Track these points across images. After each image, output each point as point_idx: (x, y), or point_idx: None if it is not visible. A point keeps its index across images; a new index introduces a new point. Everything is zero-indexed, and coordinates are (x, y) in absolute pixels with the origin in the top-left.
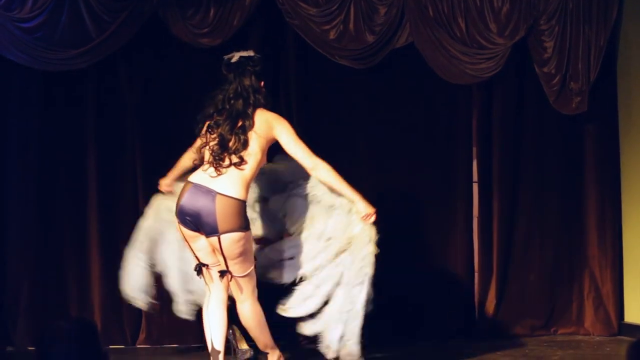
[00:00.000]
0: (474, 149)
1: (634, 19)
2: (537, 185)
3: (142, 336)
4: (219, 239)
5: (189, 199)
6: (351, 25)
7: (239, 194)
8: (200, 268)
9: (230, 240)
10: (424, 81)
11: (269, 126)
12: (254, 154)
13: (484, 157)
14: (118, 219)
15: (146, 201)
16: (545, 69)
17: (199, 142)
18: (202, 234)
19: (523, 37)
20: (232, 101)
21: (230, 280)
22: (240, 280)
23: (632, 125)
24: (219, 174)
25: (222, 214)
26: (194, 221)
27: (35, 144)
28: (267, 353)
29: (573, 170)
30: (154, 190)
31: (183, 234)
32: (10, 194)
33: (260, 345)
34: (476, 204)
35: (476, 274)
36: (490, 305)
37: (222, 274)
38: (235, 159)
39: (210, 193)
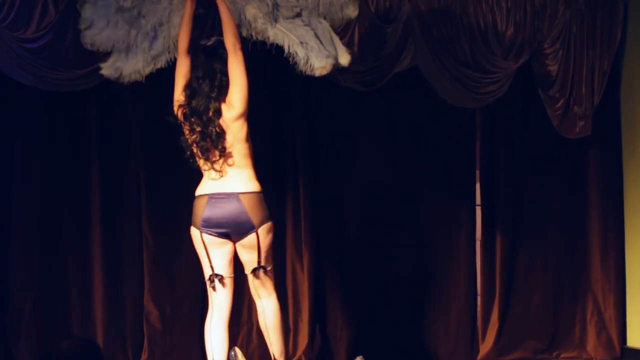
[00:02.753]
0: (477, 172)
1: (637, 43)
2: (541, 208)
3: (144, 356)
4: (257, 234)
5: (213, 210)
6: (355, 48)
7: (255, 187)
8: (213, 279)
9: (266, 231)
10: (427, 104)
11: (229, 93)
12: (239, 151)
13: (487, 181)
14: (121, 239)
15: (149, 221)
16: (549, 93)
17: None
18: (227, 240)
19: (527, 60)
20: (200, 81)
21: (259, 276)
22: (268, 274)
23: (635, 148)
24: (222, 175)
25: (252, 209)
26: (223, 228)
27: (39, 164)
28: None
29: (576, 193)
30: (157, 210)
31: (204, 242)
32: (14, 213)
33: (276, 351)
34: (479, 227)
35: (479, 297)
36: (493, 328)
37: (255, 270)
38: (223, 152)
39: (232, 195)
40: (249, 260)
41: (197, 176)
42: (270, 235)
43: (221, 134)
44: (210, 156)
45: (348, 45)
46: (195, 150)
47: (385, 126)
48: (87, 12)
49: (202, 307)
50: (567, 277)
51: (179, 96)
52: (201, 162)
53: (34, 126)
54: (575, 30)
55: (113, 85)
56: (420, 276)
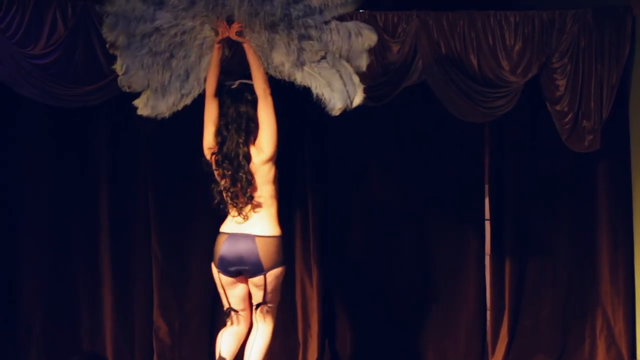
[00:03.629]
0: (486, 187)
1: None
2: (549, 222)
3: None
4: (265, 277)
5: (228, 248)
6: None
7: (275, 231)
8: (229, 312)
9: (275, 276)
10: (435, 118)
11: (258, 137)
12: (266, 192)
13: (496, 195)
14: (130, 252)
15: (158, 236)
16: (558, 107)
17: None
18: (241, 279)
19: (535, 75)
20: (228, 127)
21: (262, 310)
22: (271, 310)
23: None
24: (246, 219)
25: (265, 253)
26: (236, 267)
27: (49, 178)
28: None
29: (585, 207)
30: (166, 224)
31: (221, 281)
32: (24, 227)
33: None
34: (488, 241)
35: (488, 312)
36: (502, 342)
37: (258, 306)
38: (250, 199)
39: (249, 237)
40: (256, 296)
41: (208, 191)
42: (279, 279)
43: (251, 180)
44: (238, 202)
45: None
46: (225, 196)
47: (393, 139)
48: (121, 57)
49: (211, 322)
50: (576, 291)
51: (209, 142)
52: (229, 207)
53: (42, 141)
54: (583, 44)
55: (122, 99)
56: (429, 290)
